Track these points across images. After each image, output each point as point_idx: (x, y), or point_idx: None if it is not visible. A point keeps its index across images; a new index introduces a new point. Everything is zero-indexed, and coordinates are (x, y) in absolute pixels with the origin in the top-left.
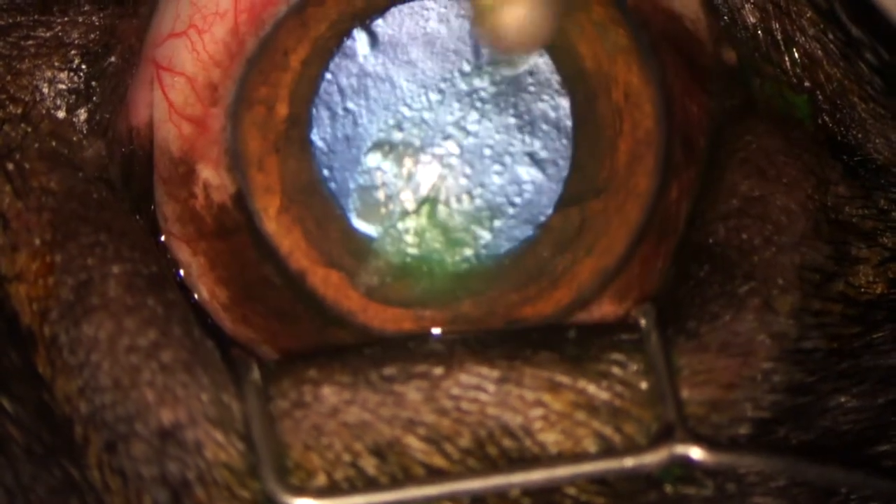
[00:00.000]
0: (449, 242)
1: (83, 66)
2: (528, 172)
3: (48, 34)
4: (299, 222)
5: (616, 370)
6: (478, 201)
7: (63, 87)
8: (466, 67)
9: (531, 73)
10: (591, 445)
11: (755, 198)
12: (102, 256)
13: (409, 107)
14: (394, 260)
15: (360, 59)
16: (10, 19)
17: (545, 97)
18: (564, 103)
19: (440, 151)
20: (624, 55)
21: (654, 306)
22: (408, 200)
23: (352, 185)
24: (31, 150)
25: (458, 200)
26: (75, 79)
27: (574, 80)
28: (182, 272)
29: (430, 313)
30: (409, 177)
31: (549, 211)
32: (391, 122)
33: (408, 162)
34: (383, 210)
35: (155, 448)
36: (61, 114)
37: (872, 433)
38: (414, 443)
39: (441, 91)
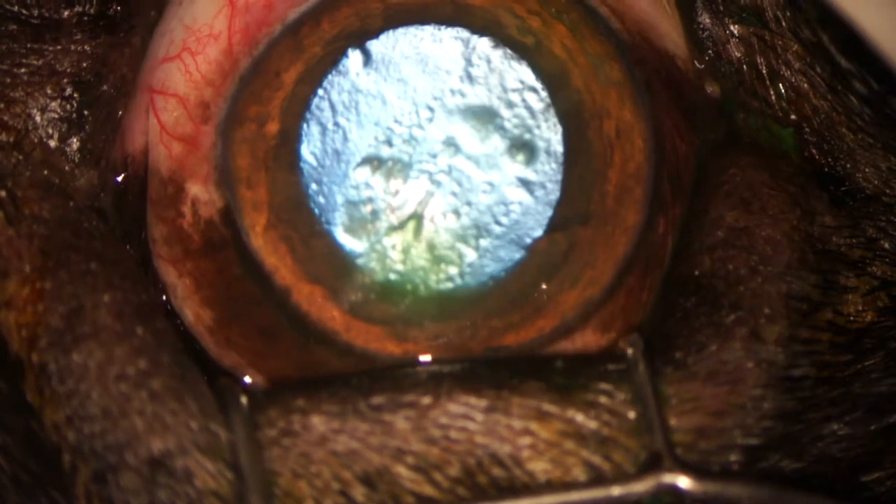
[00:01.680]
0: (434, 260)
1: (75, 95)
2: (516, 194)
3: (40, 62)
4: (285, 239)
5: (604, 399)
6: (464, 220)
7: (55, 115)
8: (458, 87)
9: (524, 98)
10: (579, 474)
11: (740, 229)
12: (93, 285)
13: (400, 123)
14: (378, 277)
15: (353, 76)
16: (3, 46)
17: (538, 122)
18: (557, 130)
19: (429, 168)
20: (617, 90)
21: (641, 336)
22: (394, 217)
23: (339, 201)
24: (23, 178)
25: (445, 218)
26: (67, 107)
27: (567, 110)
28: (169, 296)
29: (412, 333)
30: (397, 193)
31: (537, 234)
32: (381, 138)
33: (396, 178)
34: (369, 226)
35: (144, 478)
36: (53, 142)
37: (864, 460)
38: (403, 471)
39: (432, 109)
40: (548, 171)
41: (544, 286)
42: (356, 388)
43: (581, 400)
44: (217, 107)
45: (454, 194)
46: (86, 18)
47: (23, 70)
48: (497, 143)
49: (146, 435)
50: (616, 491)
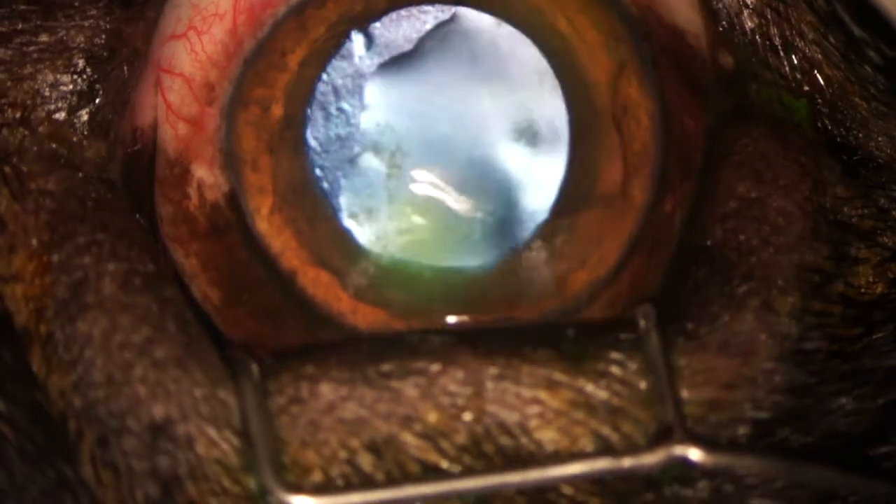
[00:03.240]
0: (439, 246)
1: (87, 70)
2: (522, 174)
3: (52, 39)
4: (291, 222)
5: (615, 369)
6: (470, 202)
7: (65, 89)
8: (462, 68)
9: (528, 77)
10: (588, 445)
11: (752, 200)
12: (98, 255)
13: (404, 108)
14: (384, 262)
15: (356, 60)
16: (13, 26)
17: (543, 101)
18: (563, 111)
19: (433, 153)
20: (624, 67)
21: (653, 307)
22: (400, 200)
23: (344, 186)
24: (30, 154)
25: (451, 203)
26: (78, 81)
27: (573, 88)
28: (178, 271)
29: (418, 316)
30: (402, 177)
31: (543, 215)
32: (384, 123)
33: (401, 164)
34: (375, 209)
35: (146, 443)
36: (62, 115)
37: (873, 435)
38: (410, 439)
39: (436, 94)
40: (553, 151)
41: (551, 267)
42: (366, 355)
43: (592, 369)
44: (222, 88)
45: (459, 175)
46: None
47: (32, 48)
48: (501, 123)
49: (148, 401)
50: (626, 462)
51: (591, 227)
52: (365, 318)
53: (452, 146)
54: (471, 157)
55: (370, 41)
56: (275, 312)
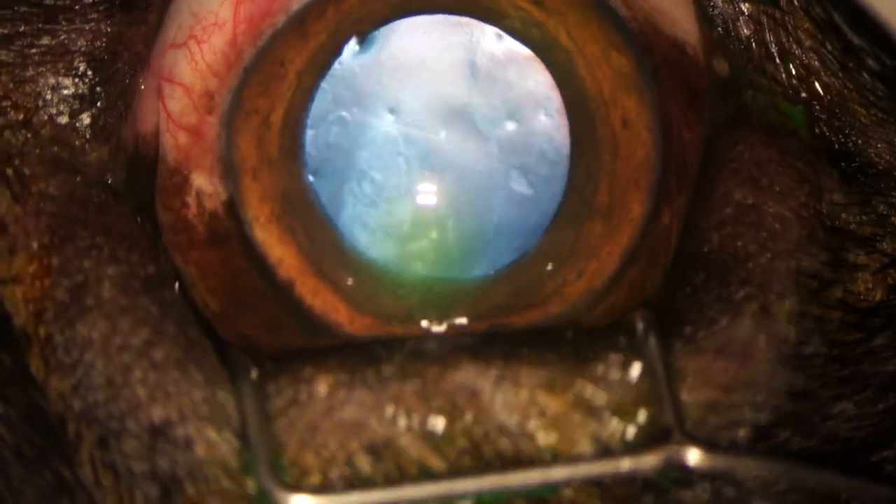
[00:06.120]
0: (439, 255)
1: (88, 73)
2: (522, 189)
3: (53, 42)
4: (290, 232)
5: (614, 372)
6: (469, 212)
7: (67, 92)
8: (462, 78)
9: (529, 88)
10: (587, 447)
11: (749, 206)
12: (98, 258)
13: (403, 114)
14: (383, 271)
15: (357, 70)
16: (15, 28)
17: (544, 116)
18: (563, 121)
19: (433, 160)
20: (624, 80)
21: (652, 311)
22: (398, 209)
23: (344, 195)
24: (32, 156)
25: (450, 210)
26: (80, 85)
27: (574, 101)
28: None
29: (417, 325)
30: (401, 185)
31: (542, 226)
32: (384, 129)
33: (401, 173)
34: (374, 218)
35: (146, 444)
36: (64, 119)
37: (874, 440)
38: (409, 442)
39: (436, 103)
40: (553, 162)
41: (549, 278)
42: (364, 357)
43: (591, 372)
44: (221, 97)
45: (459, 186)
46: None
47: (34, 50)
48: (502, 133)
49: (147, 403)
50: (625, 464)
51: (589, 239)
52: (363, 326)
53: (453, 157)
54: (471, 168)
55: (370, 50)
56: (273, 321)
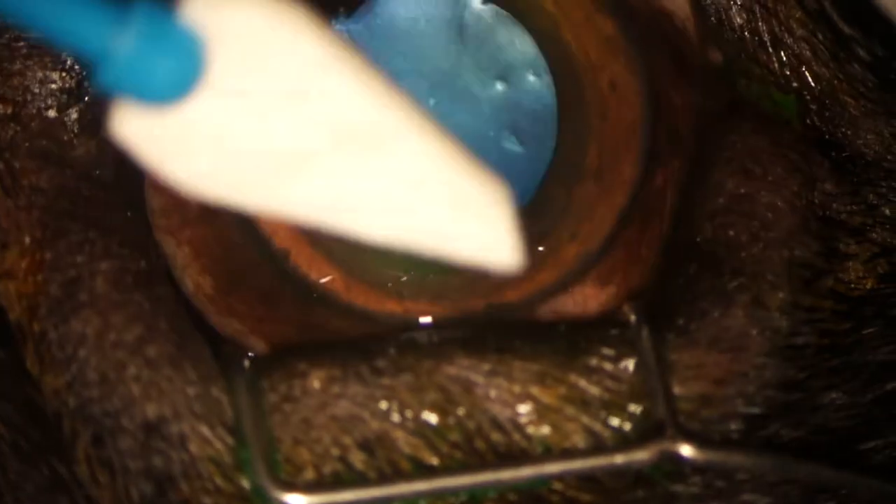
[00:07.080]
0: None
1: (75, 66)
2: (510, 150)
3: (40, 35)
4: None
5: (607, 365)
6: None
7: (54, 87)
8: (448, 46)
9: (515, 53)
10: (580, 441)
11: (741, 195)
12: (91, 253)
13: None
14: None
15: (346, 37)
16: (1, 21)
17: (530, 77)
18: (549, 85)
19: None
20: (610, 44)
21: (644, 303)
22: None
23: None
24: (21, 149)
25: None
26: (67, 78)
27: (559, 64)
28: (170, 266)
29: (413, 292)
30: None
31: (532, 190)
32: None
33: None
34: None
35: (140, 442)
36: (52, 113)
37: (863, 429)
38: (402, 437)
39: (424, 66)
40: (541, 126)
41: (542, 241)
42: (358, 352)
43: (584, 365)
44: None
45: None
46: None
47: (21, 44)
48: (489, 98)
49: (141, 400)
50: (618, 458)
51: (580, 202)
52: (359, 294)
53: (440, 122)
54: (459, 133)
55: (359, 15)
56: (268, 294)
